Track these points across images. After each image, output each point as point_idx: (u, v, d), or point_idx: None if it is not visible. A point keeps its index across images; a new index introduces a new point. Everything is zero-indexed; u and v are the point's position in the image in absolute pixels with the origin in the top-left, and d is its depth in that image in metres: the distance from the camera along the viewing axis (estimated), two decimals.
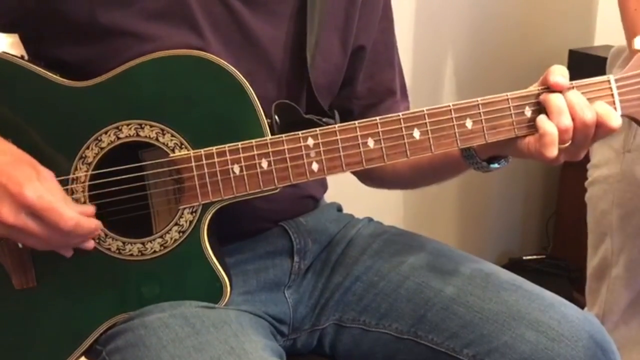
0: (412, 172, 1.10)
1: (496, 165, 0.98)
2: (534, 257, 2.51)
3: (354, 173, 1.17)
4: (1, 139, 0.90)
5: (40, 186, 0.85)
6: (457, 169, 1.03)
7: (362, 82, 1.13)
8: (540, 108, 0.91)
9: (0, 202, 0.84)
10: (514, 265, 2.44)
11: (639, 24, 1.32)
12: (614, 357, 0.98)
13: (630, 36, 1.36)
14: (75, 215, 0.87)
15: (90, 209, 0.90)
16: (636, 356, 1.63)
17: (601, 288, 1.67)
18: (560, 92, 0.89)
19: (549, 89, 0.90)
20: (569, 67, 2.45)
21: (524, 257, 2.50)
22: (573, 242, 2.32)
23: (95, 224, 0.90)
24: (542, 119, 0.90)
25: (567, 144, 0.89)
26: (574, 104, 0.89)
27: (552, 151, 0.89)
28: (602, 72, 1.63)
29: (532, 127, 0.91)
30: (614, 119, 0.89)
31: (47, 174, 0.88)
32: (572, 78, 0.91)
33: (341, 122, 0.94)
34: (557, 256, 2.49)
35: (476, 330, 0.98)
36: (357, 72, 1.12)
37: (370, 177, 1.18)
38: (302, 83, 1.02)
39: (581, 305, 1.74)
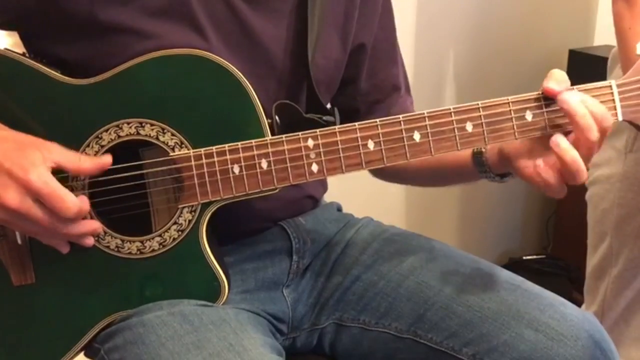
0: (430, 171, 1.10)
1: (507, 178, 0.99)
2: (534, 257, 2.51)
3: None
4: (3, 126, 0.90)
5: (46, 171, 0.86)
6: (470, 176, 1.03)
7: (366, 79, 1.13)
8: (541, 112, 0.90)
9: (5, 187, 0.84)
10: (514, 265, 2.44)
11: (632, 42, 1.33)
12: (613, 356, 0.98)
13: (623, 51, 1.37)
14: (78, 201, 0.87)
15: (86, 202, 0.90)
16: (635, 353, 1.63)
17: (600, 287, 1.67)
18: (554, 97, 0.88)
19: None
20: (569, 67, 2.44)
21: (524, 257, 2.50)
22: (573, 242, 2.32)
23: (95, 225, 0.91)
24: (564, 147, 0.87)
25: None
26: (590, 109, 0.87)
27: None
28: (602, 71, 1.63)
29: (532, 131, 0.90)
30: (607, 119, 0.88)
31: (52, 146, 0.89)
32: (572, 78, 0.91)
33: (348, 120, 0.93)
34: (557, 256, 2.49)
35: (476, 330, 0.98)
36: (360, 70, 1.12)
37: (386, 172, 1.17)
38: (302, 80, 1.02)
39: (581, 304, 1.74)
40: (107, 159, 0.91)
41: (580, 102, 0.87)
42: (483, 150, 0.98)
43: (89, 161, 0.90)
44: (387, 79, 1.15)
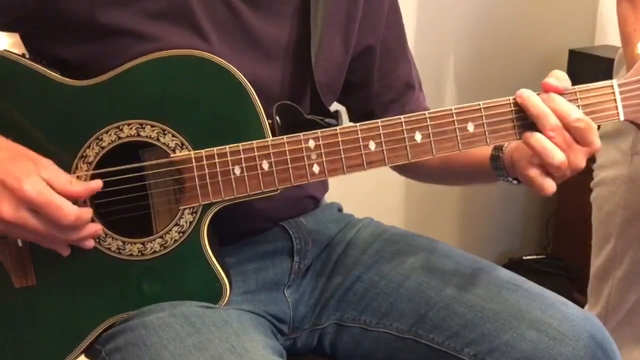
0: (443, 166, 1.10)
1: None
2: (534, 257, 2.51)
3: None
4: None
5: (40, 181, 0.85)
6: (488, 177, 1.03)
7: (378, 80, 1.13)
8: None
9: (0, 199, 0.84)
10: (514, 265, 2.44)
11: (636, 43, 1.33)
12: (615, 356, 0.98)
13: (629, 53, 1.37)
14: (75, 209, 0.87)
15: (88, 212, 0.90)
16: (638, 355, 1.63)
17: (604, 288, 1.67)
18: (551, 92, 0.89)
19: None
20: (569, 67, 2.44)
21: (524, 257, 2.50)
22: (573, 242, 2.32)
23: (95, 228, 0.91)
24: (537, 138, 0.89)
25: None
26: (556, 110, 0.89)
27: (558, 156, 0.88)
28: (603, 71, 1.63)
29: (534, 131, 0.90)
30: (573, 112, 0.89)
31: (47, 163, 0.89)
32: (572, 78, 0.91)
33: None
34: (557, 256, 2.49)
35: (477, 330, 0.98)
36: (371, 73, 1.12)
37: (400, 166, 1.18)
38: (305, 82, 1.02)
39: (581, 305, 1.74)
40: (97, 184, 0.90)
41: (539, 98, 0.89)
42: (500, 154, 0.98)
43: (79, 185, 0.89)
44: (399, 77, 1.15)
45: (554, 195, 0.92)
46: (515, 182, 0.98)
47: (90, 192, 0.90)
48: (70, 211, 0.86)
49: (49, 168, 0.88)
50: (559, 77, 0.89)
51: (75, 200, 0.89)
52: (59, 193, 0.87)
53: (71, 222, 0.87)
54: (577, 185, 1.81)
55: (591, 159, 1.67)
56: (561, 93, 0.89)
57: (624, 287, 1.62)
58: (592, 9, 2.51)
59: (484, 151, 1.00)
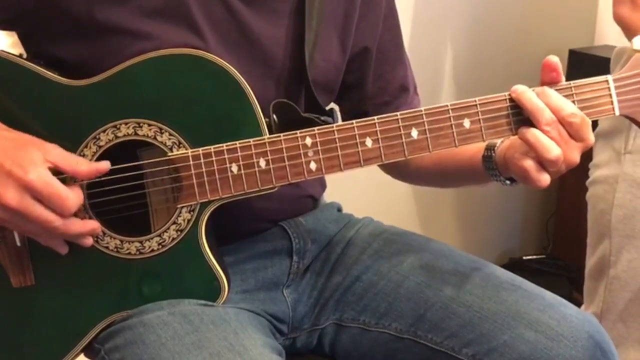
0: (436, 167, 1.10)
1: (517, 183, 0.99)
2: (534, 257, 2.51)
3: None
4: (3, 126, 0.91)
5: (45, 170, 0.86)
6: (481, 178, 1.03)
7: (373, 82, 1.13)
8: None
9: (4, 186, 0.85)
10: (514, 265, 2.44)
11: None
12: (613, 357, 0.98)
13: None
14: (78, 201, 0.88)
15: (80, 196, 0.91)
16: (633, 355, 1.63)
17: (599, 287, 1.67)
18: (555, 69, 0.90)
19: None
20: (569, 67, 2.44)
21: (524, 257, 2.50)
22: (573, 242, 2.32)
23: (93, 225, 0.91)
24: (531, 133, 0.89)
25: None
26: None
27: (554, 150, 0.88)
28: (602, 72, 1.62)
29: (529, 127, 0.90)
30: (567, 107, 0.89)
31: (52, 146, 0.89)
32: (572, 78, 0.91)
33: None
34: (557, 256, 2.49)
35: (475, 330, 0.98)
36: (366, 73, 1.12)
37: (392, 168, 1.18)
38: (300, 81, 1.02)
39: (580, 305, 1.74)
40: (105, 165, 0.91)
41: (534, 92, 0.89)
42: (492, 154, 0.98)
43: (86, 165, 0.90)
44: (394, 80, 1.15)
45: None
46: (508, 182, 0.98)
47: (97, 172, 0.90)
48: (74, 202, 0.87)
49: (55, 151, 0.89)
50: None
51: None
52: (67, 173, 0.89)
53: (73, 213, 0.88)
54: (576, 185, 1.81)
55: (589, 157, 1.68)
56: (558, 81, 0.90)
57: (618, 286, 1.62)
58: (592, 9, 2.51)
59: (477, 152, 1.00)
